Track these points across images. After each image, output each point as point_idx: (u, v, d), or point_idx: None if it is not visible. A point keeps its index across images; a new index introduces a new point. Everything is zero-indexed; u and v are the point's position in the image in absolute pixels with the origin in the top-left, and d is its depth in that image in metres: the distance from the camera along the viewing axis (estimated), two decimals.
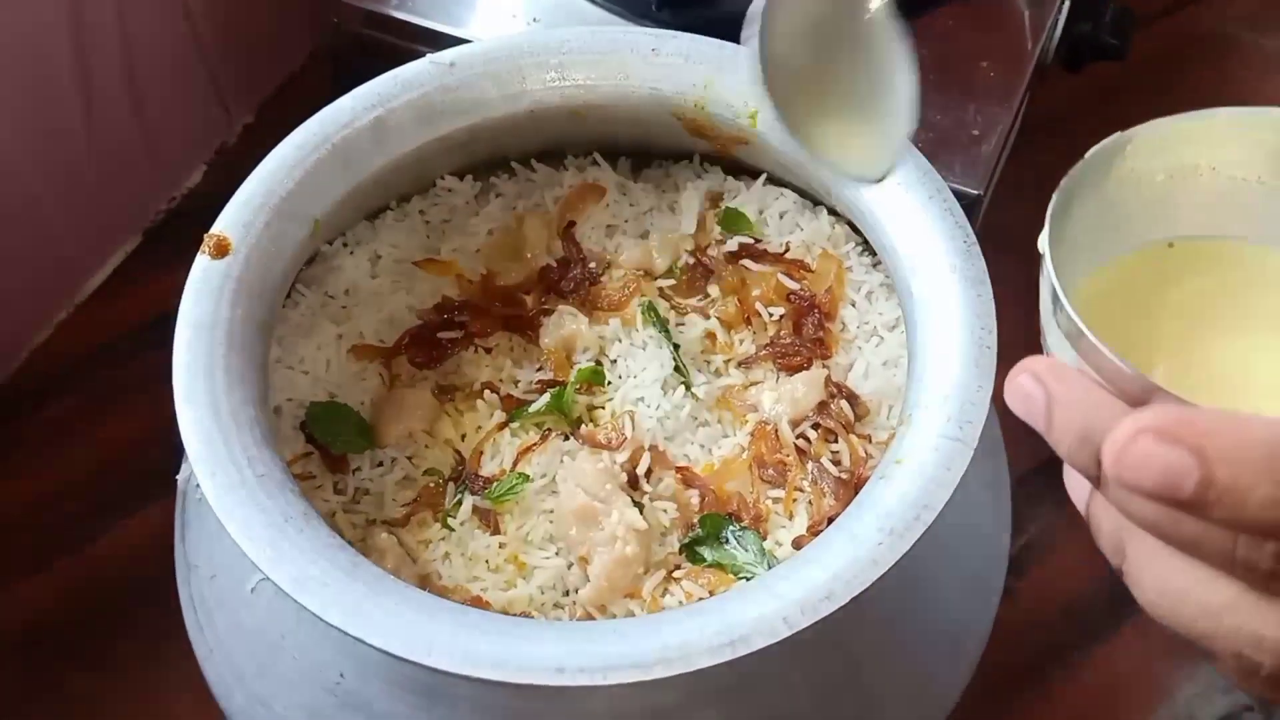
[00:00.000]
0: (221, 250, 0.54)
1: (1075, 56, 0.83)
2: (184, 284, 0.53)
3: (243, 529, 0.46)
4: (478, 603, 0.56)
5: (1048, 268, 0.40)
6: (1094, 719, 0.73)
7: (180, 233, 0.90)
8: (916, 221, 0.56)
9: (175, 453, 0.53)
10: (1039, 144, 0.83)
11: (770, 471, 0.60)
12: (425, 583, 0.56)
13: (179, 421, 0.49)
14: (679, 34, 0.61)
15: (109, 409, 0.83)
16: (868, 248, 0.67)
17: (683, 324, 0.64)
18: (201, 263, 0.54)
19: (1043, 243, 0.41)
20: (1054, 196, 0.41)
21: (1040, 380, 0.38)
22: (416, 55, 0.63)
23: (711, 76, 0.62)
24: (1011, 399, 0.39)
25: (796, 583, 0.44)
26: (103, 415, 0.83)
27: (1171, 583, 0.35)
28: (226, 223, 0.56)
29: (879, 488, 0.48)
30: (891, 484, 0.47)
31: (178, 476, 0.60)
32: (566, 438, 0.61)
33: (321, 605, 0.44)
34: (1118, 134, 0.43)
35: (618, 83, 0.63)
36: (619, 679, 0.42)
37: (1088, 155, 0.42)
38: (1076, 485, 0.40)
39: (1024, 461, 0.66)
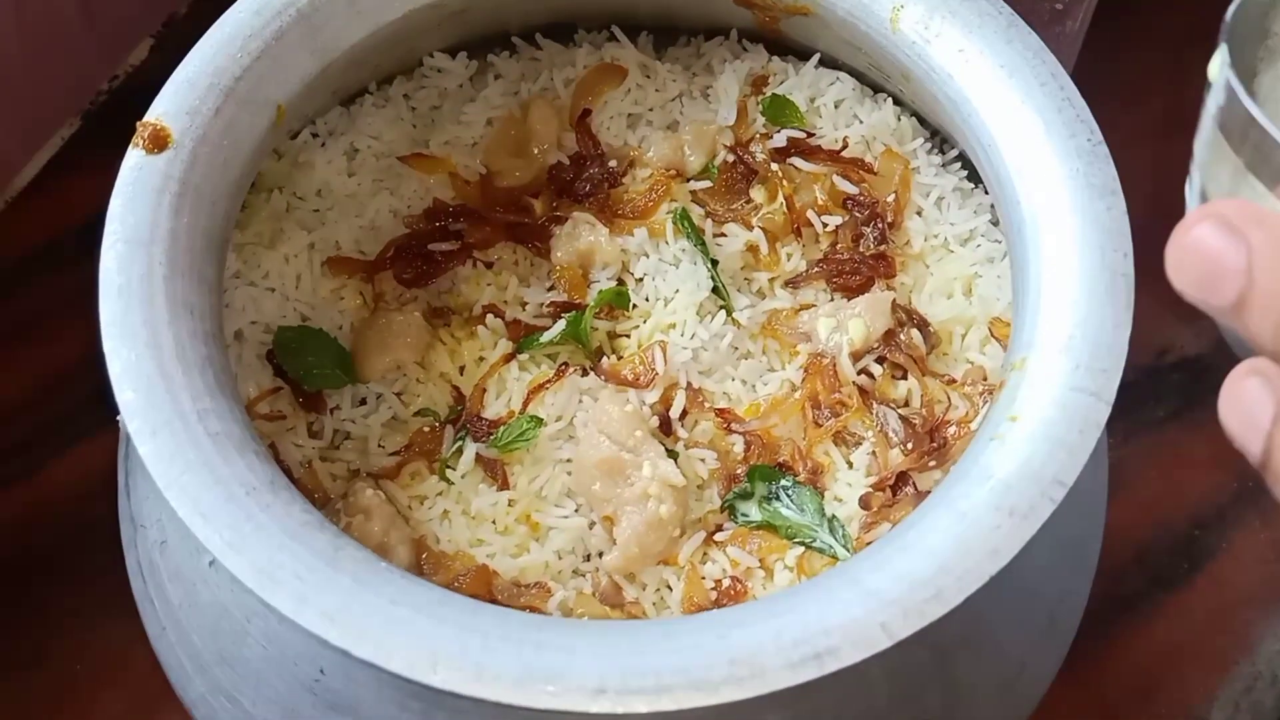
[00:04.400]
0: (159, 142, 0.43)
1: None
2: None
3: (192, 505, 0.36)
4: (484, 572, 0.48)
5: (1230, 80, 0.29)
6: (1166, 672, 0.67)
7: (124, 116, 0.80)
8: (1025, 115, 0.46)
9: None
10: (1116, 13, 0.72)
11: (827, 414, 0.52)
12: (420, 548, 0.49)
13: (108, 366, 0.39)
14: None
15: (48, 321, 0.74)
16: (937, 144, 0.57)
17: (721, 235, 0.56)
18: (134, 159, 0.44)
19: (1217, 67, 0.31)
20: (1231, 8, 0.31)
21: (1233, 229, 0.26)
22: None
23: None
24: (1182, 261, 0.28)
25: (894, 575, 0.36)
26: (41, 328, 0.74)
27: None
28: (165, 107, 0.46)
29: (990, 451, 0.39)
30: (1006, 447, 0.38)
31: (119, 418, 0.50)
32: (585, 373, 0.53)
33: (295, 604, 0.35)
34: None
35: None
36: (676, 704, 0.33)
37: None
38: (1248, 408, 0.28)
39: None
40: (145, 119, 0.45)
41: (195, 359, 0.40)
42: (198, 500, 0.37)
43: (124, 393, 0.39)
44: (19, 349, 0.73)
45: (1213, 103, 0.32)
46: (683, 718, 0.39)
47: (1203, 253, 0.27)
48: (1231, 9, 0.33)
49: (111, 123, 0.80)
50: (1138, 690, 0.66)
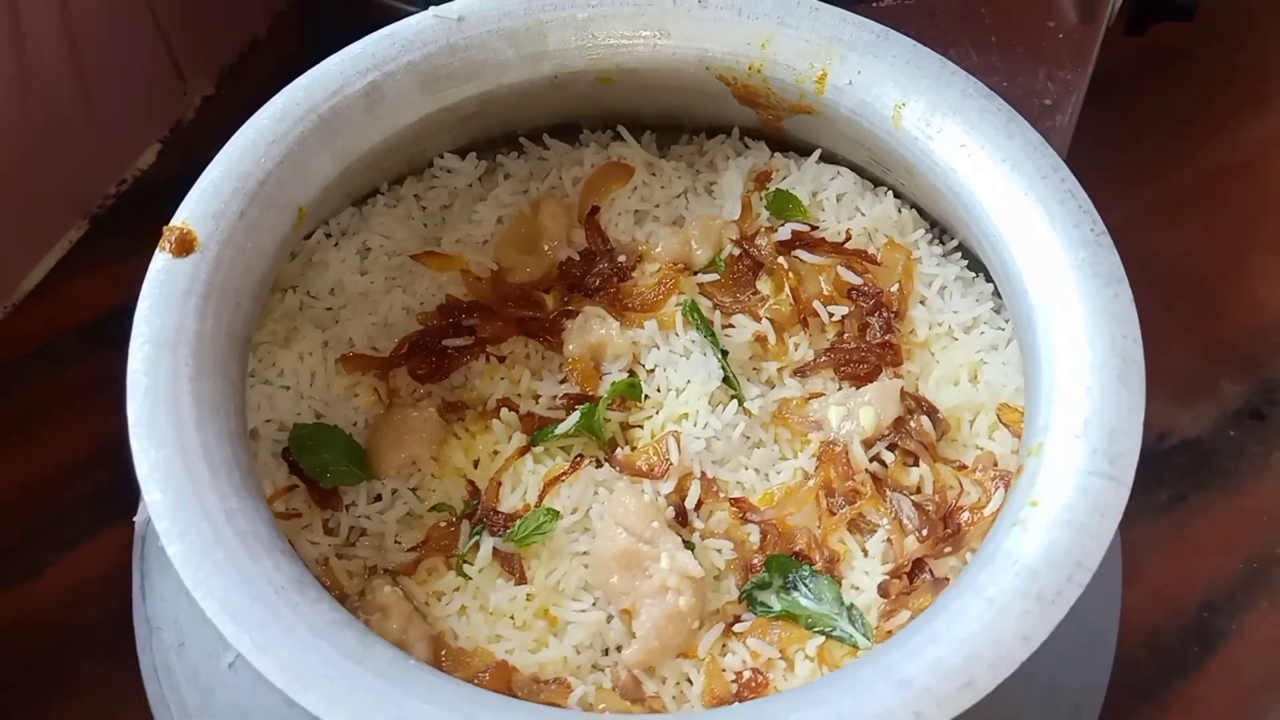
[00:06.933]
0: (186, 247, 0.44)
1: (1142, 16, 0.75)
2: (136, 278, 0.46)
3: (220, 605, 0.36)
4: (503, 669, 0.47)
5: None
6: None
7: (130, 220, 0.83)
8: (1028, 206, 0.47)
9: (128, 474, 0.43)
10: (1104, 106, 0.74)
11: (841, 502, 0.52)
12: (438, 645, 0.48)
13: (136, 467, 0.40)
14: None
15: (49, 421, 0.74)
16: (936, 234, 0.58)
17: (729, 326, 0.56)
18: (161, 262, 0.44)
19: None
20: None
21: None
22: (403, 14, 0.54)
23: (771, 32, 0.53)
24: None
25: (926, 664, 0.36)
26: (42, 428, 0.73)
27: None
28: (192, 212, 0.46)
29: (1013, 537, 0.39)
30: (1029, 532, 0.39)
31: (136, 519, 0.50)
32: (599, 464, 0.53)
33: (325, 705, 0.35)
34: None
35: (657, 43, 0.54)
36: None
37: None
38: None
39: None
40: (172, 223, 0.46)
41: (221, 459, 0.40)
42: (226, 601, 0.37)
43: (152, 493, 0.39)
44: (15, 448, 0.73)
45: None
46: None
47: None
48: None
49: (118, 227, 0.81)
50: None
